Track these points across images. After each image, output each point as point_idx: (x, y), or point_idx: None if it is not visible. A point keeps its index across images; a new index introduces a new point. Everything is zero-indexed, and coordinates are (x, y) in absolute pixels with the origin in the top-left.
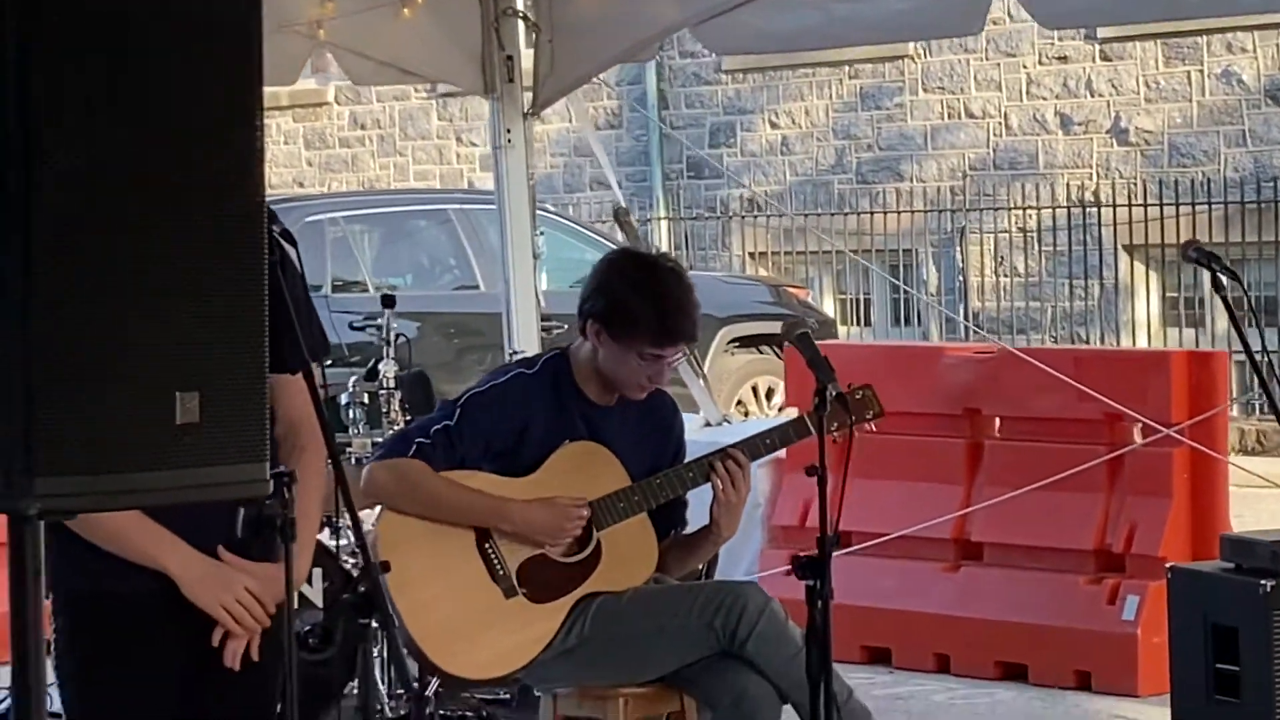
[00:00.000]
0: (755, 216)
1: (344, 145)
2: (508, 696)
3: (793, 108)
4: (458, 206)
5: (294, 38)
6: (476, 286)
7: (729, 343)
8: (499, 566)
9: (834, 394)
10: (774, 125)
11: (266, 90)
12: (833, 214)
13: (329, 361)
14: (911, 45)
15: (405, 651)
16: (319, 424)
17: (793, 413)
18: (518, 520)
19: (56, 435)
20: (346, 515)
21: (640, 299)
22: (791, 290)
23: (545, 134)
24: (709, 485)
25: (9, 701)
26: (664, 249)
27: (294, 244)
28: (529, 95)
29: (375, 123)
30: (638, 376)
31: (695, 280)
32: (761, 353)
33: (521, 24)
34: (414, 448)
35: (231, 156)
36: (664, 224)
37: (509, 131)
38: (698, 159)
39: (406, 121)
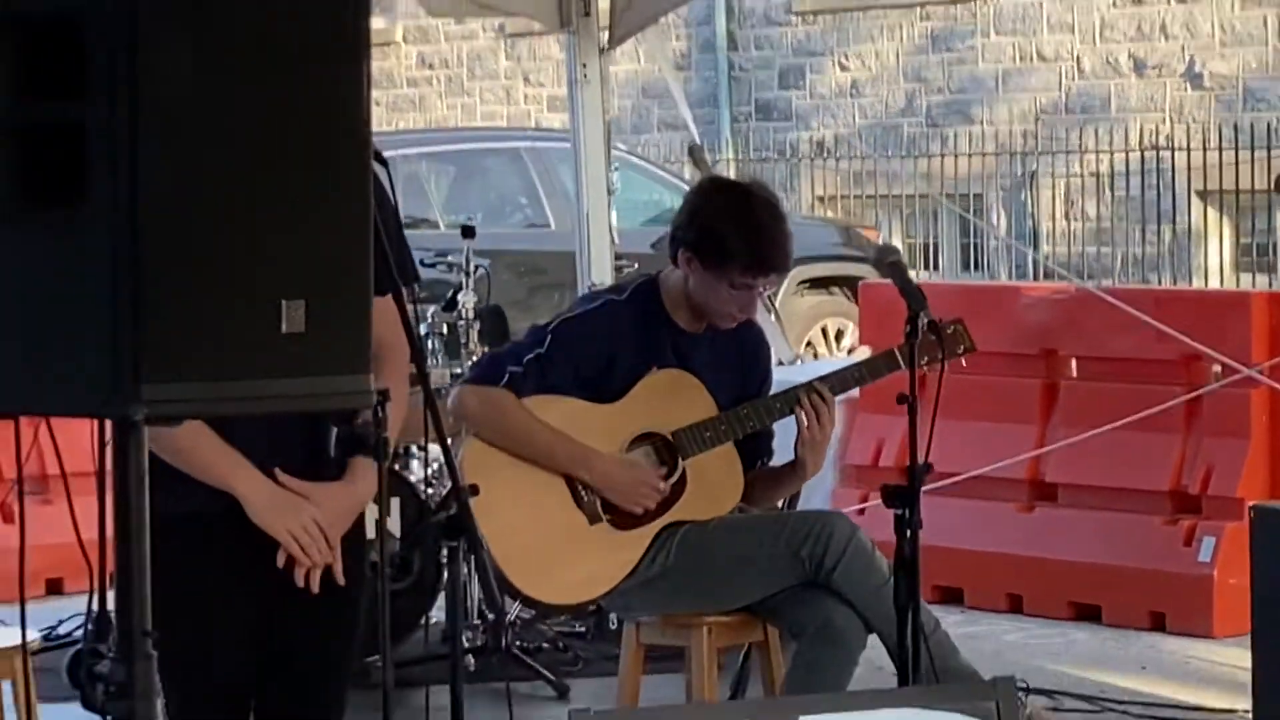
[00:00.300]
0: (824, 159)
1: (411, 85)
2: (584, 630)
3: (863, 50)
4: (529, 144)
5: None
6: (547, 225)
7: (799, 284)
8: (584, 493)
9: (925, 322)
10: (843, 68)
11: None
12: (902, 157)
13: (421, 294)
14: None
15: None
16: (410, 348)
17: (865, 353)
18: (597, 474)
19: (163, 341)
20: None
21: (734, 228)
22: (862, 231)
23: (614, 75)
24: (794, 421)
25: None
26: None
27: (385, 165)
28: (604, 32)
29: (443, 63)
30: (728, 306)
31: None
32: (831, 294)
33: None
34: (506, 376)
35: (341, 74)
36: (731, 166)
37: (585, 66)
38: (766, 101)
39: (474, 62)
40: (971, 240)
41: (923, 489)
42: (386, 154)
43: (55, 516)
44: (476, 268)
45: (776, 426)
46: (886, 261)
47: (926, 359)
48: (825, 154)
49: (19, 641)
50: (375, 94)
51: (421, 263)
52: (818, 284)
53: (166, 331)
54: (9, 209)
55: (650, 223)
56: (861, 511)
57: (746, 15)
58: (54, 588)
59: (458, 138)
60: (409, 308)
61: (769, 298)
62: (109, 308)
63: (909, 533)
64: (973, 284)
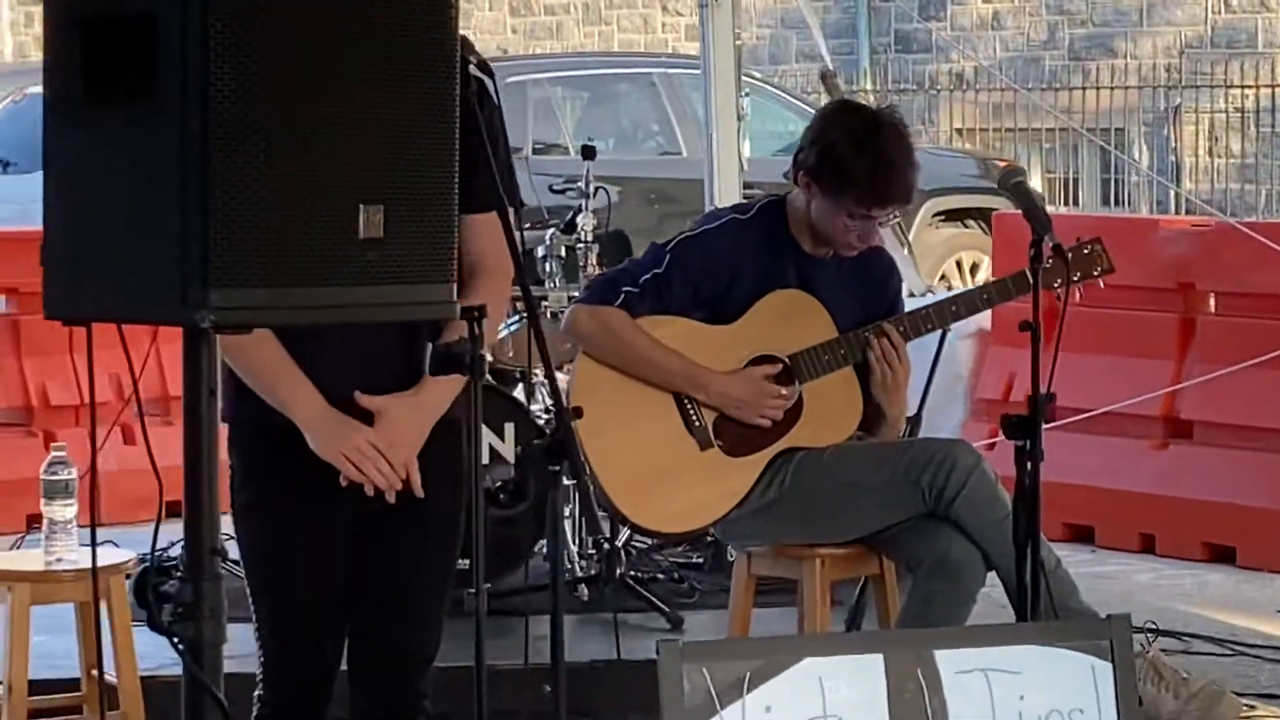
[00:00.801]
0: (963, 92)
1: (549, 13)
2: (700, 561)
3: None
4: (662, 71)
5: None
6: (679, 153)
7: (934, 216)
8: (695, 417)
9: (1051, 244)
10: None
11: None
12: (1043, 89)
13: (527, 225)
14: None
15: (595, 503)
16: (514, 265)
17: None
18: (713, 392)
19: (232, 245)
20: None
21: (855, 155)
22: (1000, 164)
23: (752, 5)
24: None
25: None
26: None
27: (490, 75)
28: None
29: None
30: (846, 235)
31: None
32: (967, 227)
33: None
34: (621, 296)
35: None
36: (870, 98)
37: None
38: (906, 33)
39: None
40: (1113, 176)
41: (1053, 423)
42: (517, 79)
43: (176, 437)
44: (597, 189)
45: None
46: (1010, 183)
47: (1059, 281)
48: (965, 86)
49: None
50: (512, 21)
51: (550, 188)
52: (952, 216)
53: (235, 235)
54: (79, 108)
55: (783, 152)
56: (991, 447)
57: None
58: (174, 509)
59: (590, 63)
60: (514, 231)
61: (899, 228)
62: (176, 210)
63: (1029, 465)
64: (1109, 216)
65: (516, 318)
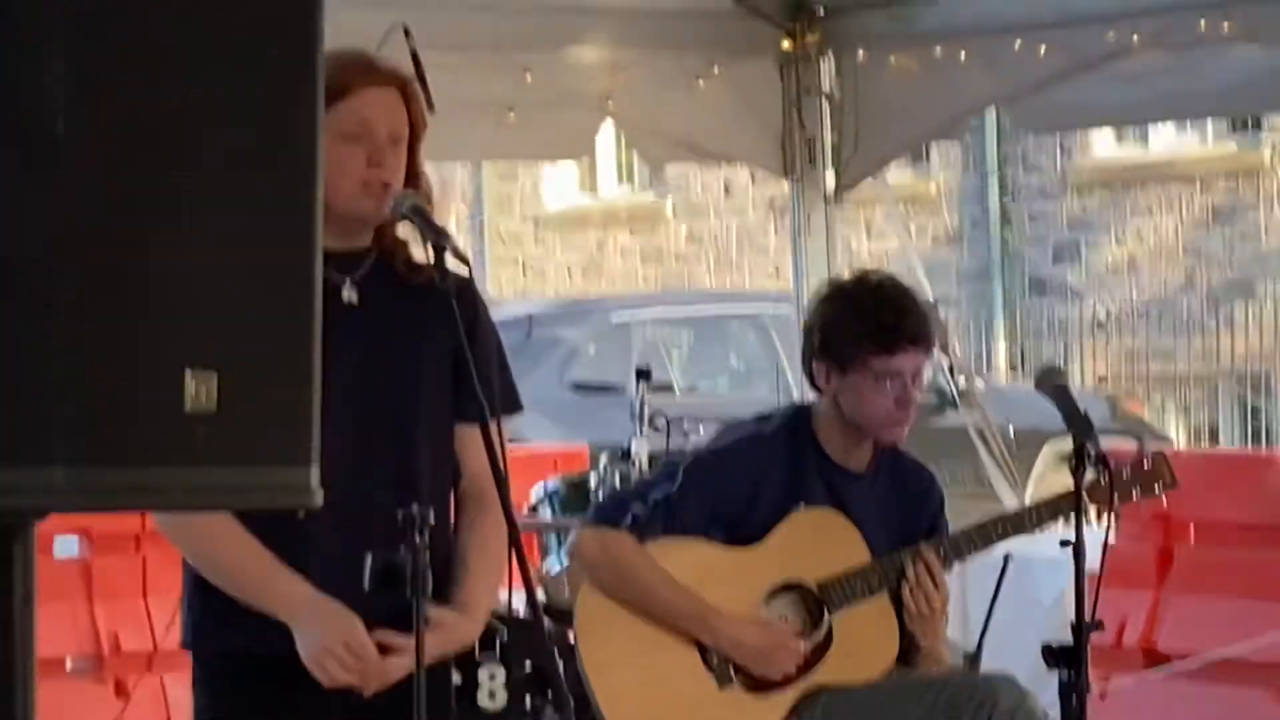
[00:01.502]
0: (1101, 337)
1: (680, 260)
2: None
3: (1141, 225)
4: (772, 308)
5: (581, 110)
6: (791, 393)
7: (1061, 458)
8: (712, 653)
9: (1093, 453)
10: (1120, 242)
11: (601, 201)
12: (1181, 335)
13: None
14: (1266, 156)
15: None
16: (495, 480)
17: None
18: (723, 637)
19: (43, 418)
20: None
21: (855, 311)
22: (1129, 405)
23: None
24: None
25: None
26: (1002, 368)
27: (468, 264)
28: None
29: (712, 238)
30: (883, 404)
31: (1027, 391)
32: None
33: (825, 103)
34: (629, 518)
35: (274, 83)
36: (1002, 344)
37: (809, 217)
38: (1040, 278)
39: (743, 236)
40: (1250, 424)
41: (1162, 666)
42: (623, 317)
43: None
44: (655, 414)
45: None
46: (1051, 384)
47: (1117, 497)
48: (1101, 330)
49: None
50: (644, 270)
51: (653, 427)
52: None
53: (46, 406)
54: None
55: None
56: (1102, 696)
57: (1020, 190)
58: None
59: (697, 300)
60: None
61: (985, 433)
62: None
63: (1074, 699)
64: (1228, 452)
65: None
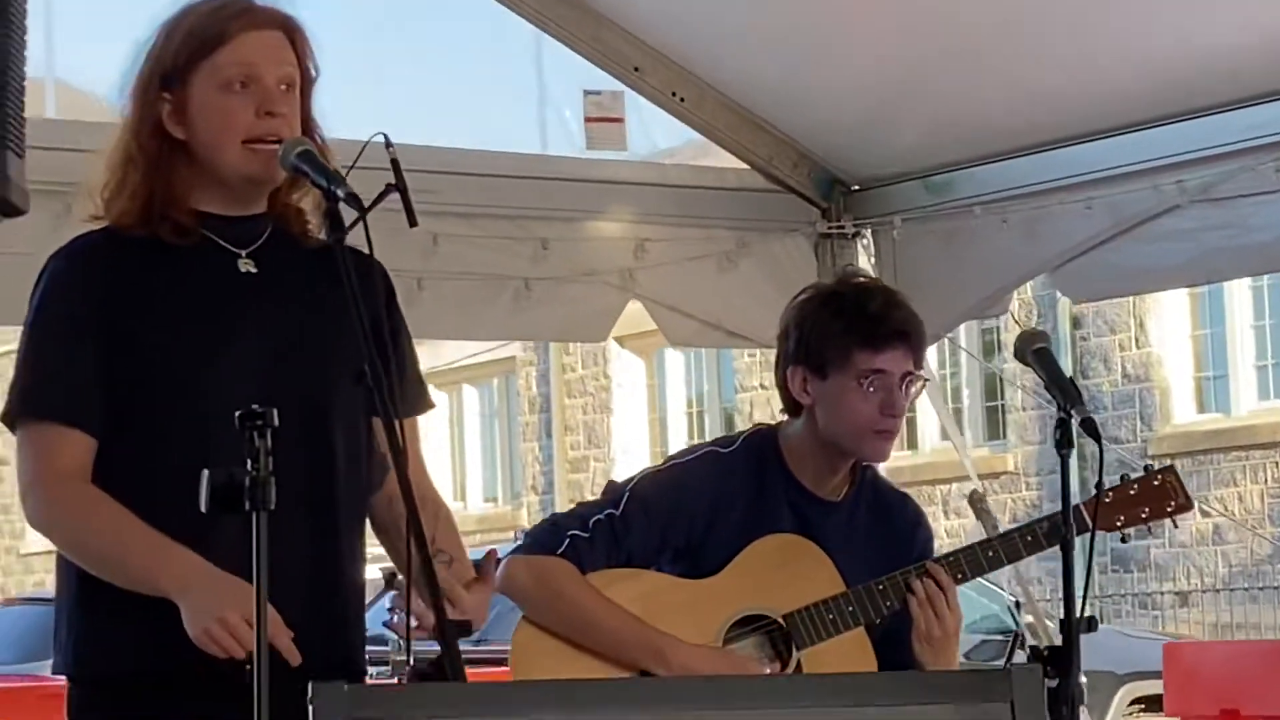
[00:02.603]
0: (1186, 610)
1: None
2: None
3: (1224, 494)
4: None
5: (604, 289)
6: None
7: (1131, 703)
8: None
9: (1079, 419)
10: (1205, 514)
11: None
12: (1267, 605)
13: None
14: None
15: None
16: (396, 470)
17: None
18: (675, 668)
19: None
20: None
21: (834, 309)
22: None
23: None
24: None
25: None
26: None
27: (362, 210)
28: None
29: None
30: (866, 411)
31: (1100, 633)
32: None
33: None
34: (565, 542)
35: None
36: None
37: None
38: (1123, 552)
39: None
40: None
41: None
42: None
43: None
44: None
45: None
46: (1031, 349)
47: (1122, 519)
48: (1186, 604)
49: None
50: None
51: None
52: (1153, 704)
53: None
54: None
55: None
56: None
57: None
58: None
59: None
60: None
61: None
62: None
63: (1067, 708)
64: None
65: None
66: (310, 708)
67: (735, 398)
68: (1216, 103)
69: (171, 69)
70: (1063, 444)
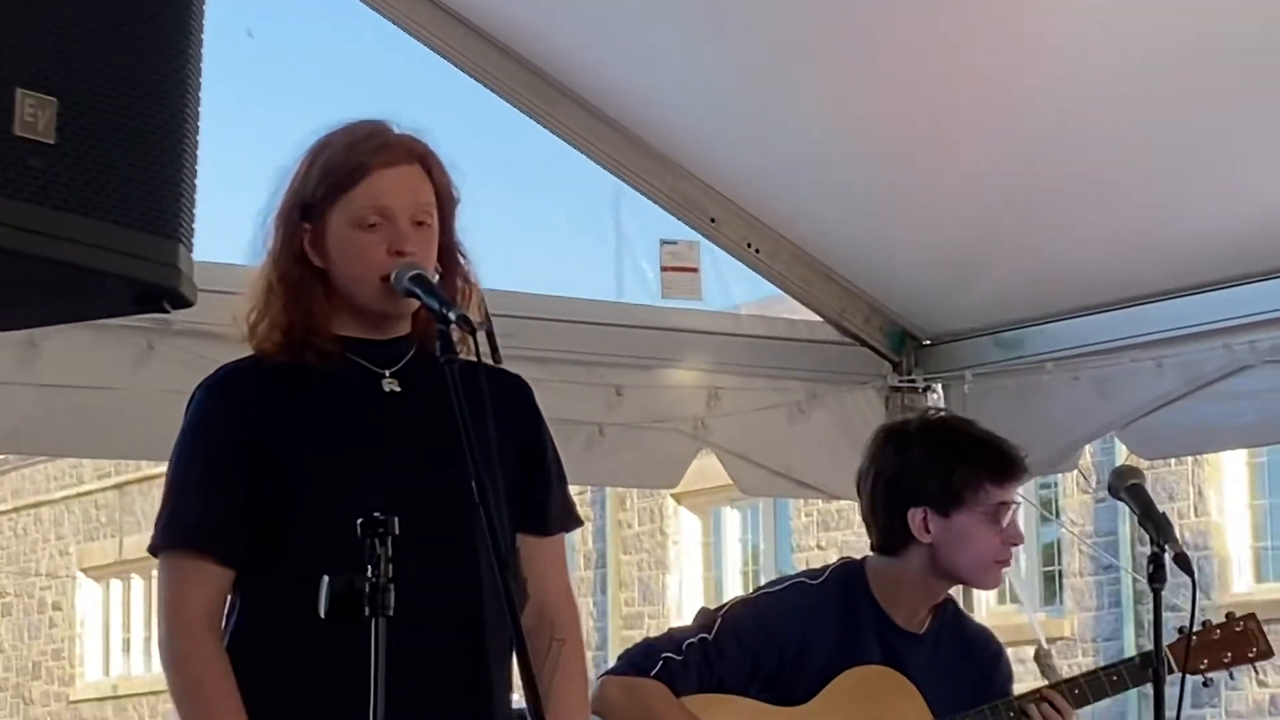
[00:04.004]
0: None
1: None
2: None
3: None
4: None
5: (676, 437)
6: None
7: None
8: None
9: (1172, 554)
10: (1262, 684)
11: None
12: None
13: None
14: None
15: None
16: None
17: None
18: None
19: None
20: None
21: (956, 450)
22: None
23: None
24: None
25: None
26: None
27: (474, 333)
28: None
29: None
30: (994, 543)
31: None
32: None
33: None
34: (659, 664)
35: None
36: None
37: None
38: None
39: None
40: None
41: None
42: None
43: None
44: None
45: None
46: (1125, 486)
47: (1205, 663)
48: None
49: None
50: None
51: None
52: None
53: None
54: None
55: None
56: None
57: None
58: None
59: None
60: None
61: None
62: None
63: None
64: None
65: None
66: None
67: (791, 557)
68: None
69: (310, 201)
70: (1156, 578)
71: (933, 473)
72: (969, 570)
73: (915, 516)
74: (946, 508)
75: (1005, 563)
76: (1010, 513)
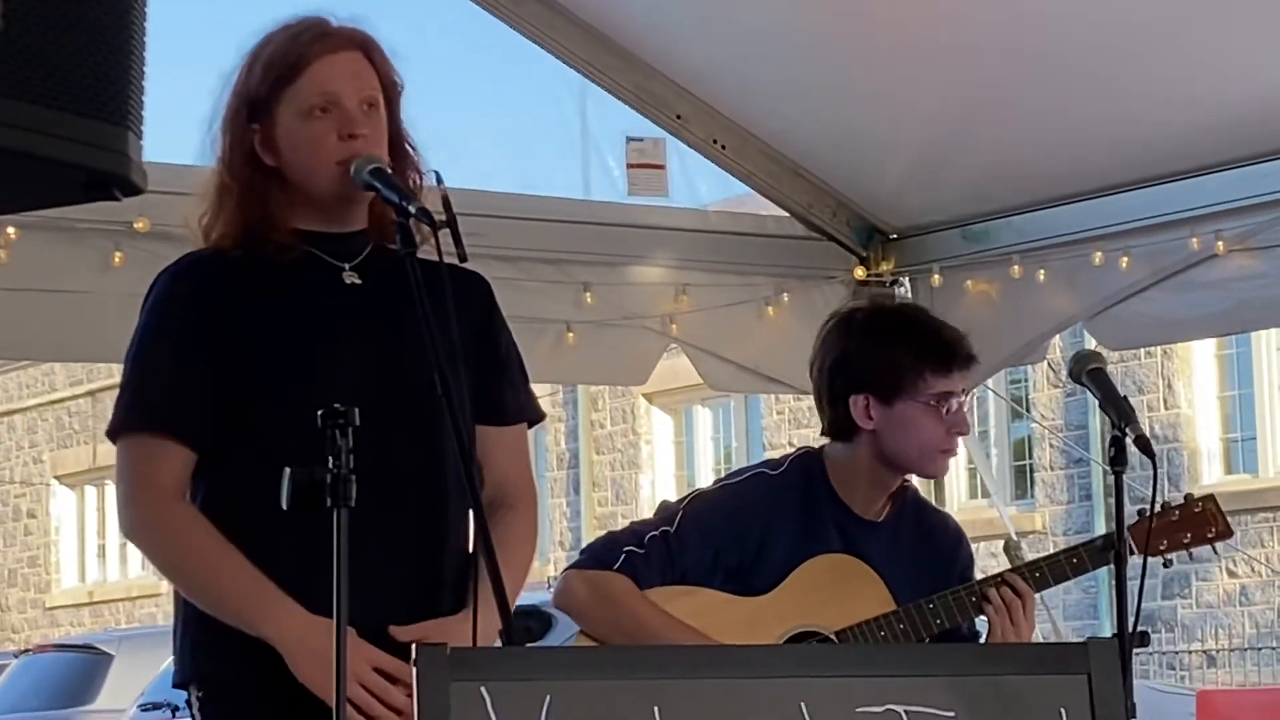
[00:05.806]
0: (1213, 669)
1: None
2: None
3: (1252, 554)
4: None
5: (644, 334)
6: None
7: None
8: None
9: (1133, 436)
10: (1231, 574)
11: None
12: None
13: None
14: None
15: None
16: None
17: None
18: None
19: None
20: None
21: (897, 335)
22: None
23: None
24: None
25: None
26: None
27: (436, 228)
28: None
29: None
30: (937, 431)
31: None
32: None
33: None
34: (622, 558)
35: None
36: None
37: None
38: (1150, 611)
39: None
40: None
41: None
42: None
43: None
44: None
45: None
46: (1086, 370)
47: (1165, 544)
48: (1214, 665)
49: None
50: None
51: None
52: None
53: None
54: None
55: None
56: None
57: None
58: None
59: None
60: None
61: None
62: None
63: None
64: None
65: None
66: (414, 670)
67: (763, 455)
68: (1255, 153)
69: (256, 99)
70: (1117, 462)
71: (874, 359)
72: (913, 458)
73: (857, 403)
74: (888, 395)
75: (950, 452)
76: (954, 402)
